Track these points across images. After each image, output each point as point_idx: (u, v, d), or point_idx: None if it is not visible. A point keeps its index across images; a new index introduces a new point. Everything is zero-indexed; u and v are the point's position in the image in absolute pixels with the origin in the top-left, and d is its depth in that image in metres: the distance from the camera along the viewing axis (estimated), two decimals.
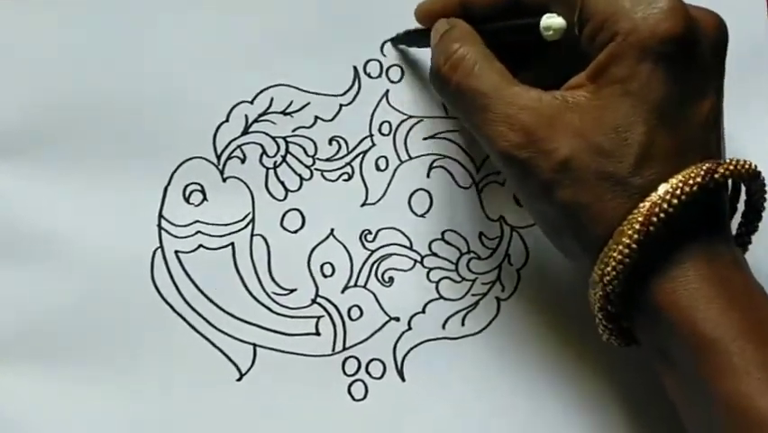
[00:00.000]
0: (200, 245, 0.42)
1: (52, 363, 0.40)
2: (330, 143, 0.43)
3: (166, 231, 0.42)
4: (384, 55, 0.43)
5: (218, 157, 0.42)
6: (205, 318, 0.41)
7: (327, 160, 0.43)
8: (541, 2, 0.37)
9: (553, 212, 0.34)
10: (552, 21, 0.36)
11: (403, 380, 0.42)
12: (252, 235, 0.42)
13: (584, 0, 0.35)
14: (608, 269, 0.33)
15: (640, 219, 0.33)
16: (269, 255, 0.42)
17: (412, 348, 0.42)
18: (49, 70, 0.42)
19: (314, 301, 0.42)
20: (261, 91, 0.43)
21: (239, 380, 0.41)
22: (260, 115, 0.43)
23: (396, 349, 0.42)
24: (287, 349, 0.41)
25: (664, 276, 0.33)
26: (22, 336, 0.40)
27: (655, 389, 0.36)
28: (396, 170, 0.43)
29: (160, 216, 0.42)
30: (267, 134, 0.43)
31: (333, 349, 0.42)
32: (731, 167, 0.34)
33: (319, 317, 0.42)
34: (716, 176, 0.33)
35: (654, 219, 0.33)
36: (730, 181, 0.35)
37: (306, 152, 0.43)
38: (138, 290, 0.41)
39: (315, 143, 0.43)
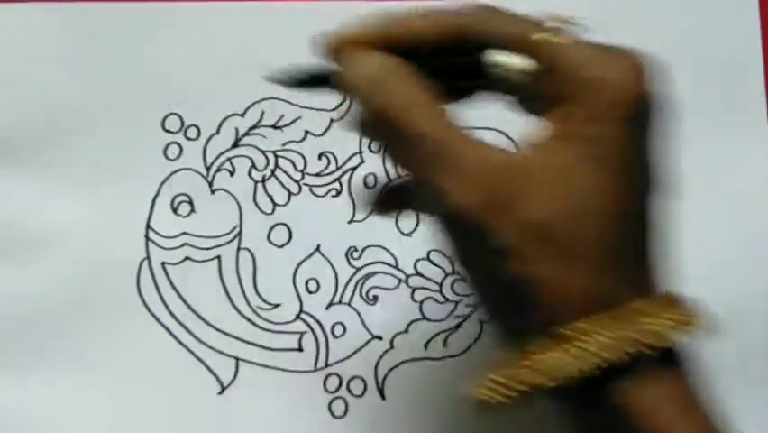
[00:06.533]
0: (187, 257, 0.42)
1: (33, 369, 0.41)
2: (319, 158, 0.43)
3: (153, 242, 0.42)
4: None
5: (207, 169, 0.43)
6: (188, 330, 0.41)
7: (316, 175, 0.43)
8: (484, 41, 0.31)
9: (503, 283, 0.29)
10: (506, 59, 0.30)
11: (383, 398, 0.42)
12: (239, 249, 0.42)
13: (551, 46, 0.30)
14: (573, 360, 0.28)
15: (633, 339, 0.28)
16: (254, 269, 0.42)
17: (394, 367, 0.42)
18: (42, 76, 0.42)
19: (297, 317, 0.42)
20: (252, 104, 0.43)
21: (221, 393, 0.41)
22: (251, 129, 0.43)
23: (377, 368, 0.42)
24: (269, 364, 0.42)
25: (631, 379, 0.29)
26: (2, 340, 0.41)
27: None
28: None
29: (148, 226, 0.42)
30: (257, 148, 0.43)
31: (316, 366, 0.42)
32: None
33: (302, 333, 0.42)
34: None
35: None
36: None
37: (295, 166, 0.43)
38: (123, 299, 0.41)
39: (304, 158, 0.43)
